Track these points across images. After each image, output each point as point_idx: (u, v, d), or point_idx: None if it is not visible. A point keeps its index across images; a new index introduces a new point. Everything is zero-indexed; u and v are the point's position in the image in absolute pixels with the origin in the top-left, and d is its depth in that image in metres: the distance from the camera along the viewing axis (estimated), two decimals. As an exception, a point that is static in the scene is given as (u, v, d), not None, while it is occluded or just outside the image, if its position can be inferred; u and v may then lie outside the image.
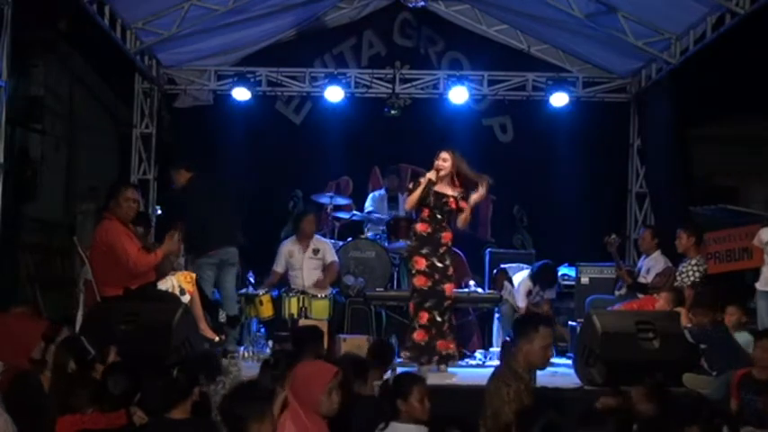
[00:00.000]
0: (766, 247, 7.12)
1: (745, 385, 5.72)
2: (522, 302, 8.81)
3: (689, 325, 6.88)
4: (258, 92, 10.81)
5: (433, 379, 6.21)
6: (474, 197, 7.44)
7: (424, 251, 7.38)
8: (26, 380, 4.92)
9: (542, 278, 8.89)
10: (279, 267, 9.01)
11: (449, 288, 7.43)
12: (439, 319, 7.36)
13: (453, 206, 7.43)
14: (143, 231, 7.67)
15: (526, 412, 4.13)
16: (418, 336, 7.34)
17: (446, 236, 7.45)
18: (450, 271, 7.46)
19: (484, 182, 7.42)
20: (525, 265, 9.27)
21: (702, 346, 6.72)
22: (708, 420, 4.36)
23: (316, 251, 8.89)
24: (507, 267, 9.33)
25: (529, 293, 8.84)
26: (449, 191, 7.43)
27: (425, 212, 7.43)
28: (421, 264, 7.38)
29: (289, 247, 8.99)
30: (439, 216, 7.42)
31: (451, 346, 7.43)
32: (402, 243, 9.00)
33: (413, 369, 6.76)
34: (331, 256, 8.93)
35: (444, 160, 7.40)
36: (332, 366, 4.24)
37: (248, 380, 5.33)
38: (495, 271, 9.56)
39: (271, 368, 5.09)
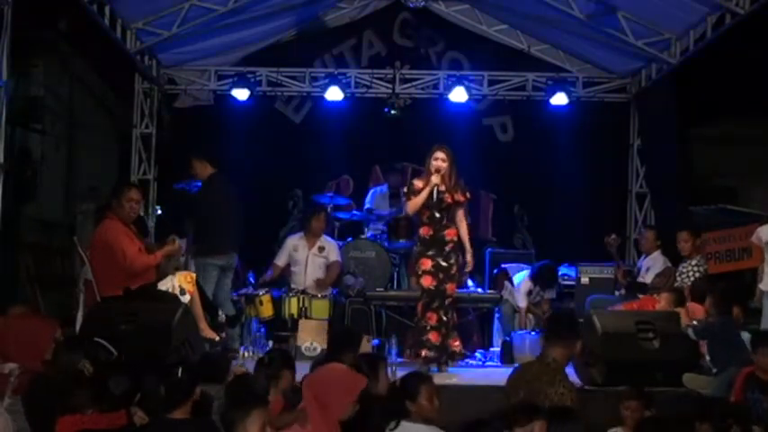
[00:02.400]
0: (766, 246, 7.10)
1: (750, 384, 5.69)
2: (522, 302, 8.81)
3: (694, 322, 6.86)
4: (258, 92, 10.81)
5: (435, 379, 6.20)
6: (464, 226, 7.52)
7: (430, 253, 7.38)
8: (45, 382, 4.88)
9: (542, 278, 8.89)
10: (280, 261, 9.02)
11: (451, 287, 7.43)
12: (445, 318, 7.38)
13: (450, 201, 7.43)
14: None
15: None
16: (434, 337, 7.33)
17: (449, 233, 7.41)
18: (454, 270, 7.44)
19: (461, 208, 7.51)
20: (525, 265, 9.28)
21: (704, 341, 6.72)
22: (720, 419, 4.35)
23: (321, 249, 8.92)
24: (507, 267, 9.33)
25: (529, 293, 8.85)
26: (443, 187, 7.43)
27: (425, 214, 7.44)
28: (427, 264, 7.38)
29: (295, 242, 9.01)
30: (438, 215, 7.41)
31: (456, 343, 7.44)
32: (402, 243, 9.01)
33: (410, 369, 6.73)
34: (335, 256, 8.95)
35: (443, 160, 7.39)
36: (362, 377, 4.28)
37: (238, 378, 5.35)
38: (495, 271, 9.56)
39: (265, 367, 5.10)
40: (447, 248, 7.39)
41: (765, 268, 7.04)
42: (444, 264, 7.36)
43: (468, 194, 7.65)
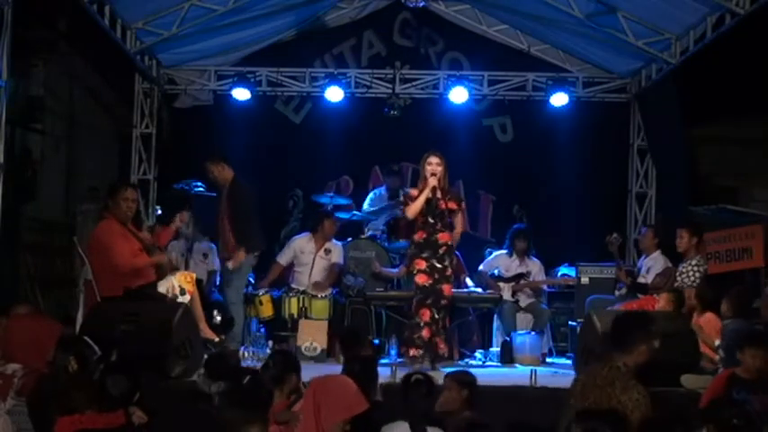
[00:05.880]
0: None
1: (735, 385, 5.65)
2: (481, 266, 9.18)
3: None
4: (258, 92, 10.80)
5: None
6: (456, 231, 7.65)
7: (424, 255, 7.45)
8: (51, 382, 4.88)
9: (513, 242, 9.13)
10: (283, 260, 9.02)
11: (447, 289, 7.48)
12: (437, 316, 7.43)
13: (443, 207, 7.48)
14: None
15: None
16: (426, 333, 7.37)
17: (442, 236, 7.48)
18: (449, 272, 7.51)
19: (456, 216, 7.64)
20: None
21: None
22: (725, 420, 4.33)
23: (327, 251, 8.93)
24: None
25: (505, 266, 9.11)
26: (439, 193, 7.48)
27: (420, 219, 7.50)
28: (421, 264, 7.45)
29: (302, 243, 9.00)
30: (431, 220, 7.48)
31: (442, 345, 7.45)
32: (402, 243, 9.01)
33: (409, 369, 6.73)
34: (337, 258, 8.97)
35: (438, 165, 7.46)
36: (365, 403, 4.17)
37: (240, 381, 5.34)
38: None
39: (270, 369, 5.09)
40: (441, 251, 7.46)
41: None
42: (438, 265, 7.43)
43: (462, 204, 7.73)
